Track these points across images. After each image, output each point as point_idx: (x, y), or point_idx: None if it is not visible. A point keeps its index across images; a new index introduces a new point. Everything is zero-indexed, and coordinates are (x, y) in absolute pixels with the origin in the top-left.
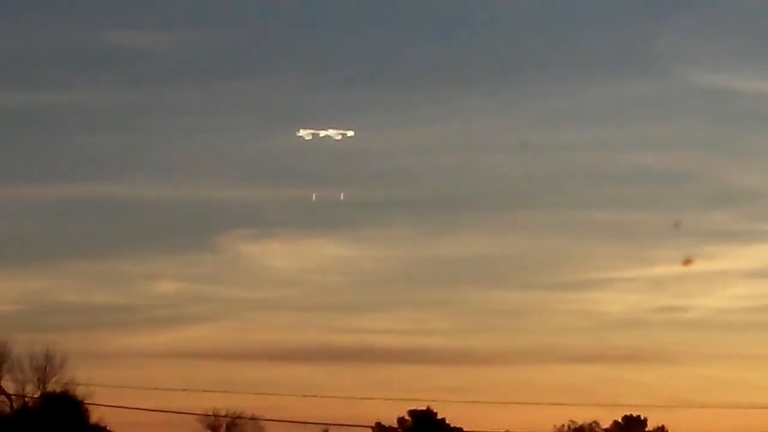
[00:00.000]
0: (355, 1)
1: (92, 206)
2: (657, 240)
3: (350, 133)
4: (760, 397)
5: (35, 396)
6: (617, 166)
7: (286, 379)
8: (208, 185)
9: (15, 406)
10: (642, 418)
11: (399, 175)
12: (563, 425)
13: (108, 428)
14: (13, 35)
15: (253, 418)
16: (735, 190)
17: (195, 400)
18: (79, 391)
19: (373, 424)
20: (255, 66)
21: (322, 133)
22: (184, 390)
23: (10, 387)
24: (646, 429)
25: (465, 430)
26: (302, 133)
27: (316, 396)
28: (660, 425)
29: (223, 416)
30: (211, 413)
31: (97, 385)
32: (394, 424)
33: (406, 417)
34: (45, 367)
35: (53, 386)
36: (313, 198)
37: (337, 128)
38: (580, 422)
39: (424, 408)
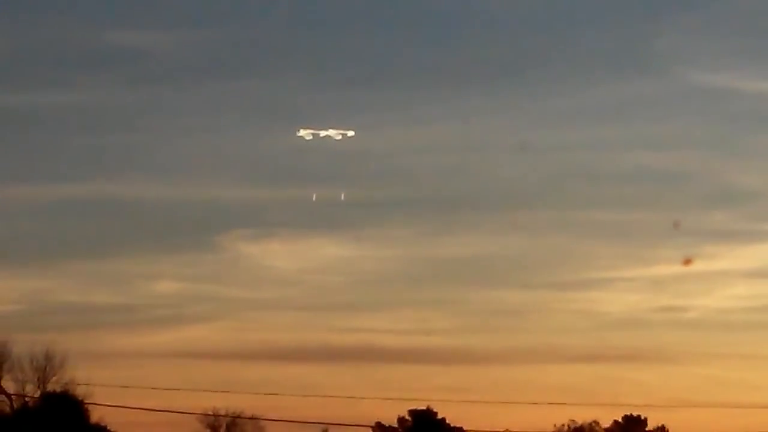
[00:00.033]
0: (355, 1)
1: (92, 206)
2: (657, 240)
3: (350, 133)
4: (760, 397)
5: (35, 396)
6: (617, 166)
7: (286, 378)
8: (208, 185)
9: (15, 405)
10: (642, 417)
11: (399, 175)
12: (563, 425)
13: (108, 428)
14: (13, 35)
15: (253, 418)
16: (735, 190)
17: (195, 399)
18: (79, 391)
19: (373, 424)
20: (255, 66)
21: (323, 133)
22: (184, 390)
23: (10, 387)
24: (646, 429)
25: (465, 429)
26: (302, 133)
27: (316, 396)
28: (660, 425)
29: (223, 416)
30: (211, 413)
31: (97, 384)
32: (394, 424)
33: (406, 417)
34: (45, 366)
35: (53, 386)
36: (314, 198)
37: (337, 128)
38: (580, 422)
39: (424, 407)
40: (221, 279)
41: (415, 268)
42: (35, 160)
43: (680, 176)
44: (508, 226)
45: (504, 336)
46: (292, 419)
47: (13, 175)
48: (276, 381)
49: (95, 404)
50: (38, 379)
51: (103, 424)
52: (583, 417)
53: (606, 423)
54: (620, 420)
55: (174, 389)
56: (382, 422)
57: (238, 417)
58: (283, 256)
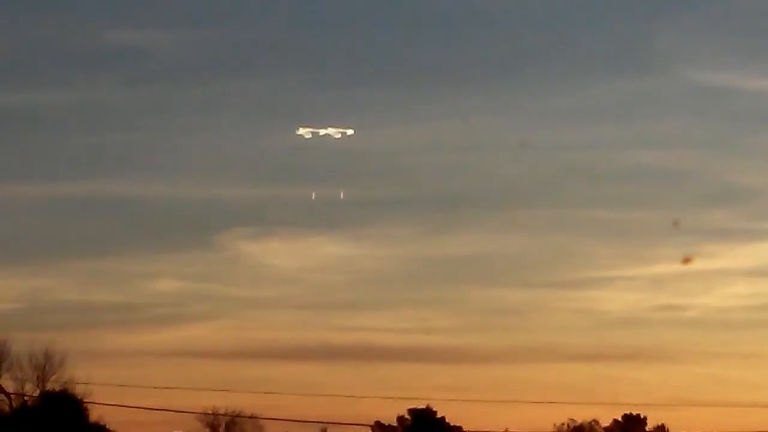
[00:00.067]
0: (355, 1)
1: (92, 205)
2: (657, 239)
3: (350, 132)
4: (760, 396)
5: (35, 395)
6: (617, 165)
7: (286, 377)
8: (208, 184)
9: (14, 404)
10: (642, 416)
11: (399, 174)
12: (563, 424)
13: (107, 427)
14: (13, 35)
15: (252, 417)
16: (734, 189)
17: (195, 398)
18: (79, 390)
19: (373, 423)
20: (255, 65)
21: (322, 132)
22: (183, 388)
23: (9, 386)
24: (646, 427)
25: (464, 428)
26: (302, 131)
27: (315, 394)
28: (660, 424)
29: (223, 415)
30: (210, 412)
31: (96, 383)
32: (394, 423)
33: (406, 415)
34: (44, 365)
35: (53, 385)
36: (313, 197)
37: (336, 127)
38: (579, 421)
39: (424, 406)
40: (221, 278)
41: (415, 266)
42: (35, 159)
43: (680, 175)
44: (508, 225)
45: (504, 335)
46: (291, 418)
47: (13, 174)
48: (276, 380)
49: (94, 403)
50: (37, 378)
51: (102, 423)
52: (582, 416)
53: (606, 422)
54: (620, 419)
55: (173, 388)
56: (382, 421)
57: (238, 416)
58: (283, 254)
